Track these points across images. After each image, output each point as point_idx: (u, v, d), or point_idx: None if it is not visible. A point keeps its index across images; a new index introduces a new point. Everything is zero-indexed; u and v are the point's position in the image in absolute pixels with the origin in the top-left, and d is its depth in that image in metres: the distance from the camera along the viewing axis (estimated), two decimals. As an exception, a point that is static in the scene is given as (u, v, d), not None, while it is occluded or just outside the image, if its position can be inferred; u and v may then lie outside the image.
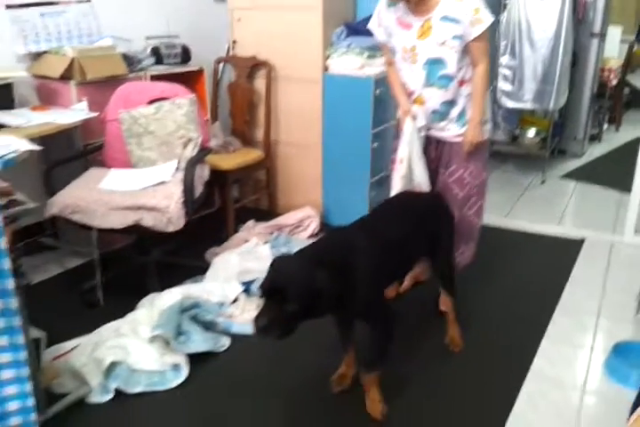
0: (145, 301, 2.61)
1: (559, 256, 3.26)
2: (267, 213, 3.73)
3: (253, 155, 3.51)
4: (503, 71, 4.48)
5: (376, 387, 1.98)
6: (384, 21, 2.42)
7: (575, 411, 2.04)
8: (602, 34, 5.24)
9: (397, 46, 2.41)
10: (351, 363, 2.14)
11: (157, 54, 3.18)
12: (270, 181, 3.75)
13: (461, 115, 2.44)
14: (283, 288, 1.64)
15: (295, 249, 3.17)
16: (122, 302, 2.60)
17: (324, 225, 3.53)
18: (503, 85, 4.51)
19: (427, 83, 2.38)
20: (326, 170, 3.59)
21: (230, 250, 3.07)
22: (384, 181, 3.73)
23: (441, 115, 2.44)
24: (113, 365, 2.17)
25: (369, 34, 3.29)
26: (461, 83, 2.39)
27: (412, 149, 2.42)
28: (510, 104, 4.57)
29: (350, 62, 3.20)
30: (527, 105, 4.53)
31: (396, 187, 2.48)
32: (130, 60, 2.96)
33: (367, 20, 3.40)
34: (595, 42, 5.16)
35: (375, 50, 3.26)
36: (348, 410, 2.04)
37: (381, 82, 3.34)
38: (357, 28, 3.25)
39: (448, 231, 2.35)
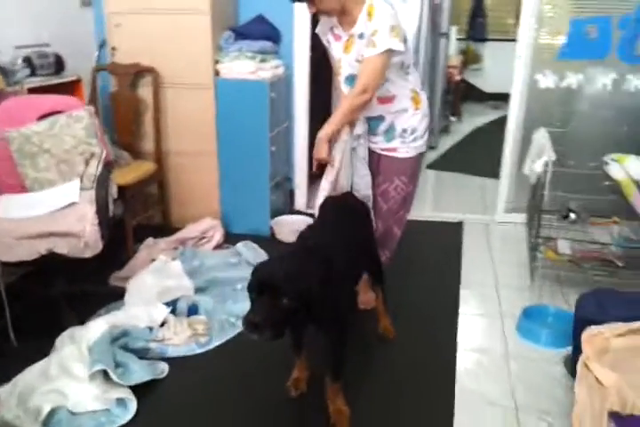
0: (64, 337, 2.35)
1: (446, 239, 3.55)
2: (161, 228, 3.55)
3: (146, 168, 3.32)
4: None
5: (341, 394, 2.00)
6: (323, 28, 2.41)
7: (507, 375, 2.25)
8: (447, 34, 5.72)
9: (333, 56, 2.43)
10: (303, 367, 2.16)
11: (30, 65, 2.87)
12: (163, 194, 3.58)
13: (388, 130, 2.43)
14: (277, 284, 1.63)
15: (208, 261, 3.14)
16: (36, 342, 2.33)
17: (227, 234, 3.46)
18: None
19: None
20: (223, 178, 3.51)
21: (140, 271, 2.88)
22: (281, 185, 3.75)
23: (370, 128, 2.45)
24: (52, 412, 1.95)
25: (257, 37, 3.30)
26: (382, 100, 2.36)
27: (342, 155, 2.38)
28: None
29: (243, 66, 3.16)
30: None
31: (324, 191, 2.42)
32: (4, 73, 2.64)
33: (252, 23, 3.40)
34: (443, 41, 5.62)
35: (266, 53, 3.25)
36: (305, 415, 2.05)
37: (275, 85, 3.35)
38: (245, 32, 3.22)
39: (371, 229, 2.46)
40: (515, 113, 3.46)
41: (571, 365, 2.15)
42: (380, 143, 2.48)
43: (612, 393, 1.63)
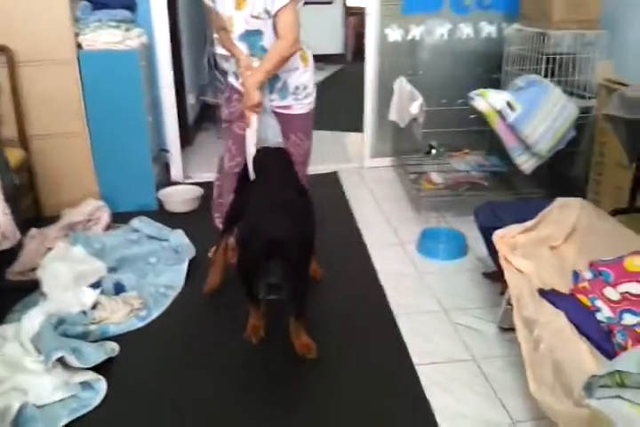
0: (-8, 338, 2.21)
1: (328, 187, 3.81)
2: (36, 218, 3.33)
3: (16, 156, 3.07)
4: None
5: (305, 330, 2.18)
6: None
7: (426, 288, 2.63)
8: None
9: (221, 13, 2.37)
10: (260, 315, 2.27)
11: None
12: (33, 182, 3.33)
13: (282, 89, 2.49)
14: (287, 244, 1.73)
15: (109, 242, 3.05)
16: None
17: (113, 214, 3.36)
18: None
19: (250, 53, 2.40)
20: (99, 157, 3.37)
21: (44, 261, 2.72)
22: (157, 157, 3.70)
23: (268, 86, 2.46)
24: (17, 411, 1.86)
25: (115, 6, 3.17)
26: None
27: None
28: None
29: (109, 36, 3.03)
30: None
31: (252, 144, 2.42)
32: None
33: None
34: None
35: (129, 22, 3.15)
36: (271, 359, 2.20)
37: (143, 54, 3.26)
38: (102, 1, 3.07)
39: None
40: (371, 66, 3.77)
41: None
42: (274, 101, 2.53)
43: (533, 277, 2.03)
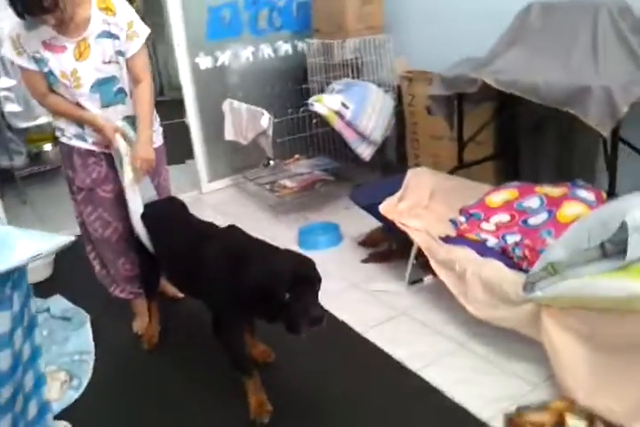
0: None
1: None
2: None
3: None
4: (3, 93, 4.43)
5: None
6: (27, 47, 2.10)
7: (332, 270, 2.86)
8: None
9: (55, 72, 2.14)
10: (261, 385, 2.02)
11: None
12: None
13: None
14: (314, 274, 1.77)
15: None
16: None
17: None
18: (10, 107, 4.48)
19: (103, 104, 2.24)
20: None
21: None
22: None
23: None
24: None
25: None
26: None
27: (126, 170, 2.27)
28: (22, 124, 4.61)
29: None
30: (38, 121, 4.66)
31: (136, 206, 2.31)
32: None
33: None
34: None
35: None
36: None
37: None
38: None
39: None
40: (189, 95, 3.94)
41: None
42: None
43: (427, 231, 2.47)
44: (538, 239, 2.22)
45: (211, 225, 2.22)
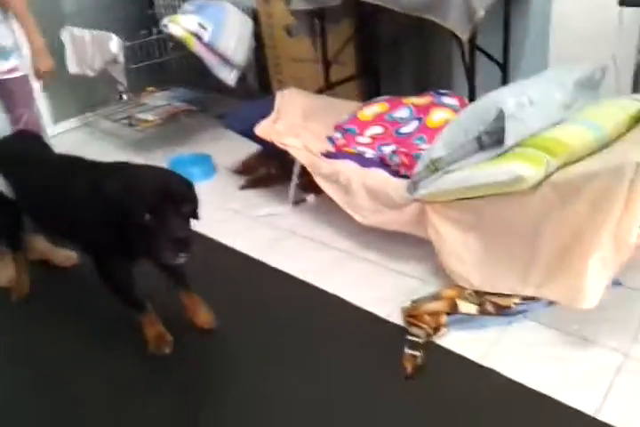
0: None
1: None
2: None
3: None
4: None
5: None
6: None
7: (207, 203, 2.77)
8: None
9: None
10: (156, 318, 1.91)
11: None
12: None
13: (2, 44, 2.14)
14: (180, 192, 1.54)
15: None
16: None
17: None
18: None
19: None
20: None
21: None
22: None
23: None
24: None
25: None
26: None
27: None
28: None
29: None
30: None
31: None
32: None
33: None
34: None
35: None
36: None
37: None
38: None
39: None
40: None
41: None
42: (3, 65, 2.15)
43: (307, 148, 2.46)
44: (412, 146, 2.31)
45: (78, 158, 1.96)
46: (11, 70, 2.16)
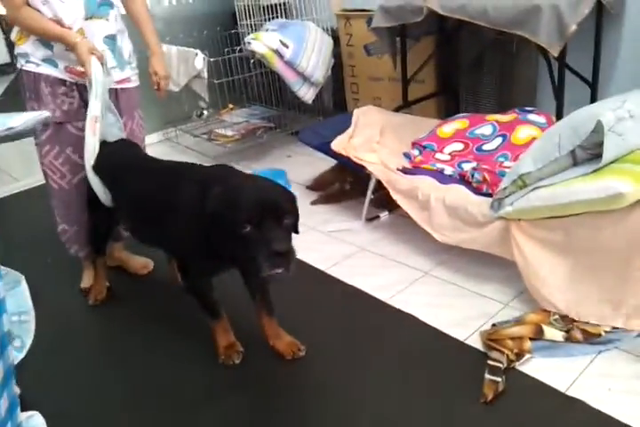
0: None
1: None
2: None
3: None
4: None
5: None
6: None
7: None
8: None
9: None
10: (229, 328, 1.89)
11: None
12: None
13: (119, 56, 2.10)
14: (282, 205, 1.50)
15: None
16: None
17: None
18: None
19: (86, 13, 1.97)
20: None
21: None
22: None
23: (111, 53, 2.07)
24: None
25: None
26: (116, 15, 2.09)
27: (104, 100, 1.99)
28: None
29: None
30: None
31: (92, 149, 2.02)
32: None
33: None
34: None
35: None
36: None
37: None
38: None
39: None
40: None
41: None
42: (113, 74, 2.09)
43: (384, 164, 2.43)
44: (494, 163, 2.23)
45: (181, 163, 1.98)
46: (124, 80, 2.16)
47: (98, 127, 2.00)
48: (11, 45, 2.18)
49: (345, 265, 2.36)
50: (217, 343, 1.87)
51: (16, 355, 2.08)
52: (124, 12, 2.19)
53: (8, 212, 3.34)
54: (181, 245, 1.75)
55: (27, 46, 2.02)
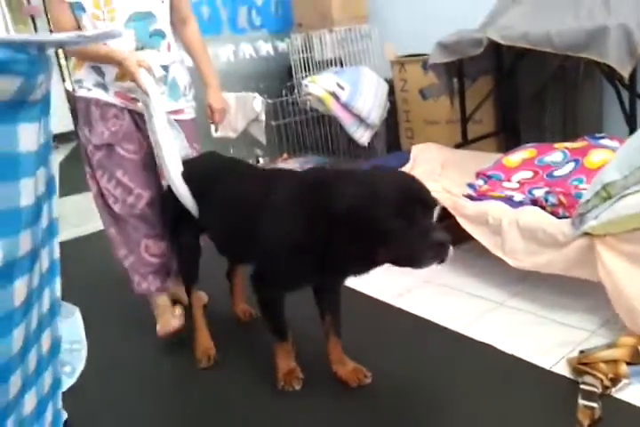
0: None
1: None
2: None
3: None
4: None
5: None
6: None
7: None
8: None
9: (85, 1, 1.91)
10: (292, 353, 1.79)
11: None
12: None
13: (173, 86, 2.08)
14: (427, 192, 1.38)
15: None
16: None
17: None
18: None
19: (137, 45, 1.98)
20: None
21: None
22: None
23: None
24: None
25: None
26: (169, 46, 2.07)
27: (162, 118, 1.91)
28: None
29: None
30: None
31: (174, 157, 1.94)
32: None
33: None
34: None
35: None
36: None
37: None
38: None
39: None
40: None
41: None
42: (165, 105, 2.02)
43: (448, 192, 2.34)
44: (569, 187, 2.12)
45: (281, 170, 1.93)
46: (178, 111, 2.11)
47: (173, 133, 1.96)
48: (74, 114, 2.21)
49: (409, 297, 2.23)
50: (277, 367, 1.75)
51: (65, 380, 2.04)
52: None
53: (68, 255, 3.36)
54: (278, 251, 1.55)
55: (81, 73, 2.05)
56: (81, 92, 2.06)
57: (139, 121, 2.07)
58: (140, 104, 1.99)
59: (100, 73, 2.03)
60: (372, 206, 1.31)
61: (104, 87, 2.04)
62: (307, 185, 1.51)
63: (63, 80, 8.01)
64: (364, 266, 1.47)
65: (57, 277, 1.02)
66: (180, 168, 1.94)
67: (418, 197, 1.34)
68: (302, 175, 1.66)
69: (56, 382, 1.09)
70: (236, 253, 1.92)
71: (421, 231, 1.30)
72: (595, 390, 1.48)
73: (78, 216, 3.93)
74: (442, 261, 1.31)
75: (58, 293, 1.03)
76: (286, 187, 1.58)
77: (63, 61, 7.60)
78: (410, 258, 1.33)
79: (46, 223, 0.94)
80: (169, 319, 2.10)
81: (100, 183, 2.09)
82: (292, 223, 1.49)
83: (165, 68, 2.06)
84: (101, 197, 2.11)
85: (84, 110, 2.07)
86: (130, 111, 2.07)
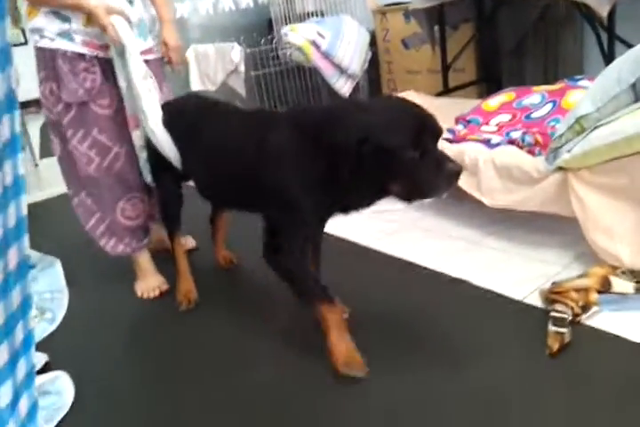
0: None
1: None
2: None
3: None
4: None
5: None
6: None
7: None
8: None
9: None
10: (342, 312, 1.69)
11: None
12: None
13: (141, 24, 1.93)
14: (435, 121, 1.34)
15: None
16: None
17: None
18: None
19: None
20: None
21: None
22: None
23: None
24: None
25: None
26: None
27: (140, 66, 1.81)
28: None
29: None
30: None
31: (154, 106, 1.84)
32: None
33: None
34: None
35: None
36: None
37: None
38: None
39: None
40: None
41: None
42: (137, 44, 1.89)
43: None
44: (546, 127, 2.13)
45: (269, 110, 1.87)
46: (148, 51, 1.97)
47: (151, 83, 1.84)
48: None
49: (392, 241, 2.26)
50: (332, 349, 1.49)
51: (46, 327, 2.06)
52: None
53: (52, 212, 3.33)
54: (287, 195, 1.46)
55: (39, 21, 1.84)
56: (42, 43, 1.86)
57: (107, 71, 1.92)
58: (111, 52, 1.86)
59: (65, 19, 1.84)
60: (386, 136, 1.26)
61: (69, 37, 1.85)
62: (306, 121, 1.45)
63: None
64: (372, 199, 1.44)
65: (24, 234, 1.00)
66: (160, 117, 1.85)
67: (429, 124, 1.30)
68: (297, 112, 1.57)
69: (28, 338, 1.10)
70: (230, 201, 1.83)
71: (436, 161, 1.27)
72: (565, 316, 1.52)
73: (60, 175, 3.90)
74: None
75: (26, 250, 1.02)
76: (284, 126, 1.48)
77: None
78: (425, 189, 1.29)
79: (10, 180, 0.92)
80: (150, 284, 2.11)
81: (70, 144, 1.94)
82: (301, 163, 1.41)
83: (130, 2, 1.90)
84: (68, 159, 1.98)
85: (49, 63, 1.88)
86: (99, 60, 1.90)
